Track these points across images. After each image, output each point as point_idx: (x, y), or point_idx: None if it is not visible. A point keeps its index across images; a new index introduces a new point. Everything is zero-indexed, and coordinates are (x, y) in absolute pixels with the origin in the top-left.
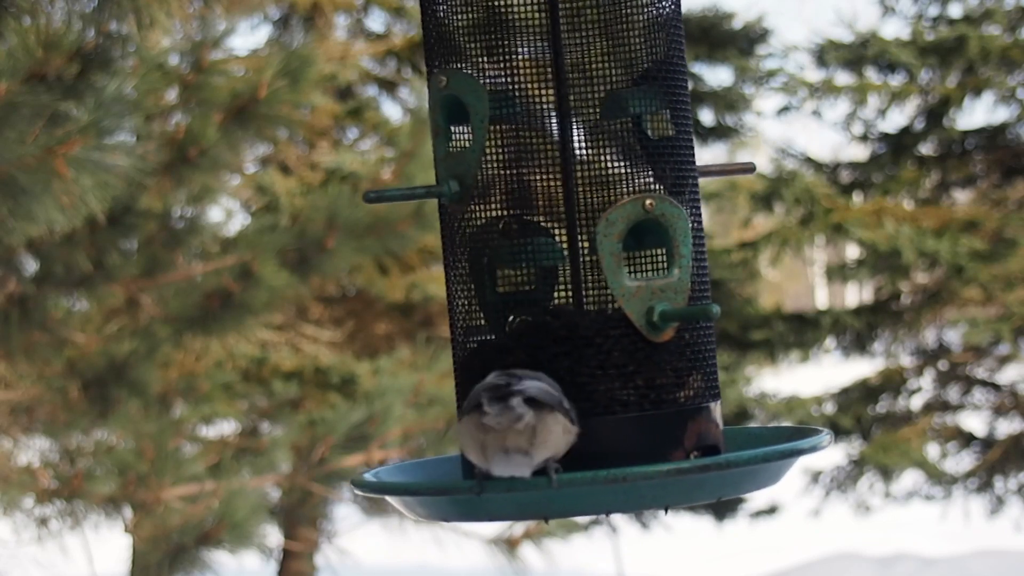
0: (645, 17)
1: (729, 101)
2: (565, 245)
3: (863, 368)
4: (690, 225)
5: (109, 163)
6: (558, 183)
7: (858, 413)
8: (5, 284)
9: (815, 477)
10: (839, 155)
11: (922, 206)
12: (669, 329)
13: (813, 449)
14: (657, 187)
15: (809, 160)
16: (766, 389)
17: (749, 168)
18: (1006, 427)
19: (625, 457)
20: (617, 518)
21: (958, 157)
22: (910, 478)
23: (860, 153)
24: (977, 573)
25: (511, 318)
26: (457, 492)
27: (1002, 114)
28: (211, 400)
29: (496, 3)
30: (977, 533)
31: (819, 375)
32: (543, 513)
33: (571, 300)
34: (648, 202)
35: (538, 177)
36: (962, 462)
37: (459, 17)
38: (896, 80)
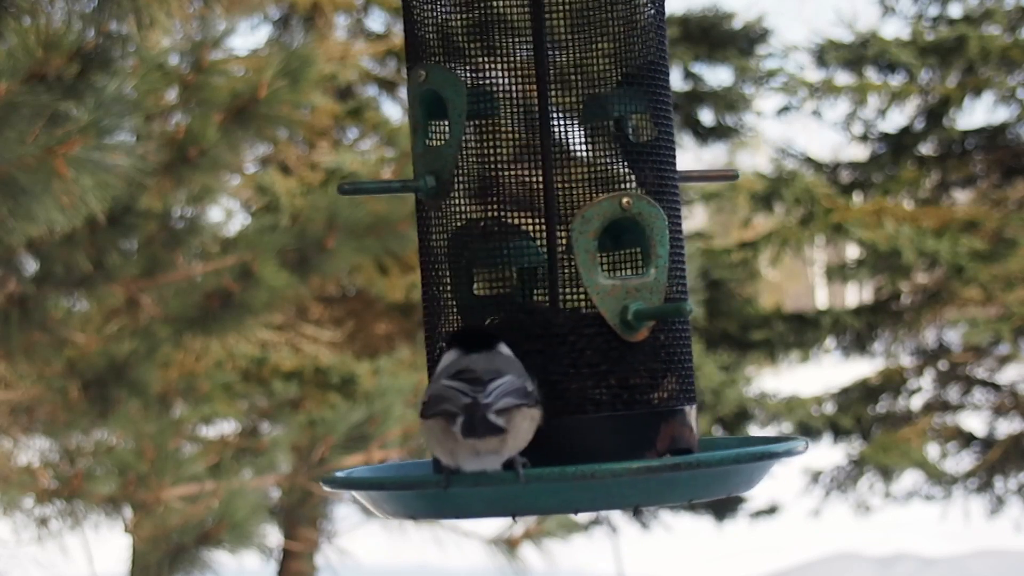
0: (628, 19)
1: (729, 101)
2: (542, 244)
3: (863, 368)
4: (668, 225)
5: (109, 163)
6: (537, 181)
7: (858, 413)
8: (5, 284)
9: (815, 477)
10: (839, 155)
11: (922, 206)
12: (644, 329)
13: (787, 453)
14: (637, 188)
15: (809, 160)
16: (766, 389)
17: (732, 175)
18: (1006, 427)
19: (596, 457)
20: (617, 518)
21: (958, 157)
22: (910, 478)
23: (860, 153)
24: (977, 573)
25: (488, 319)
26: (423, 487)
27: (1002, 114)
28: (211, 400)
29: (480, 1)
30: (977, 533)
31: (819, 375)
32: (511, 509)
33: (547, 299)
34: (625, 200)
35: (516, 175)
36: (962, 462)
37: (441, 14)
38: (896, 80)
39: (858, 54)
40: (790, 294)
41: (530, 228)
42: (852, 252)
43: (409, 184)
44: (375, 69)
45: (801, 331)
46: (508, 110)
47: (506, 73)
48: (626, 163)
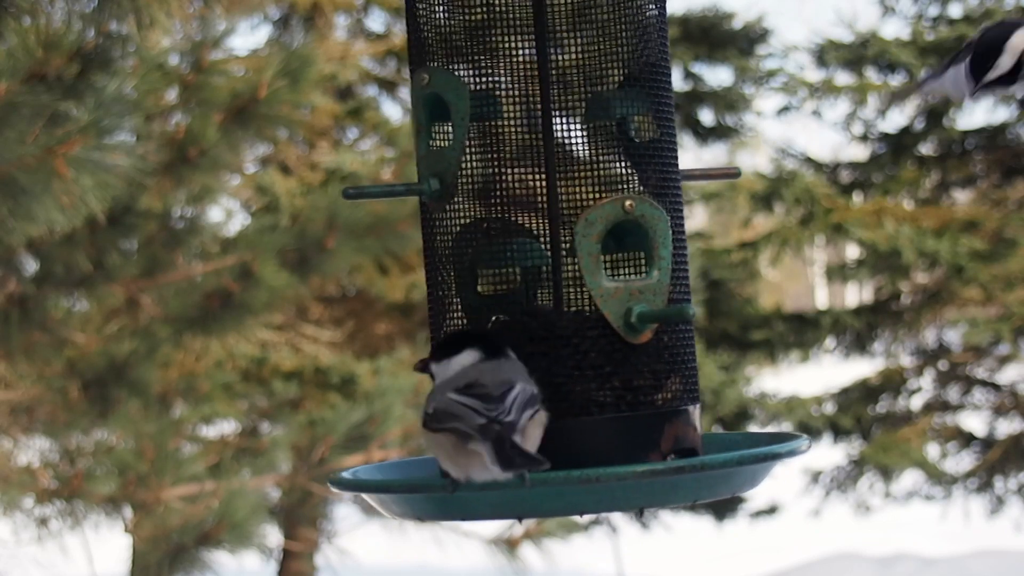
0: (630, 20)
1: (729, 101)
2: (546, 246)
3: (863, 368)
4: (671, 227)
5: (109, 163)
6: (540, 183)
7: (858, 413)
8: (5, 284)
9: (815, 477)
10: (839, 155)
11: (922, 206)
12: (647, 331)
13: (790, 454)
14: (639, 188)
15: (809, 160)
16: (766, 389)
17: (733, 173)
18: (1006, 427)
19: (601, 458)
20: (617, 518)
21: (958, 157)
22: (910, 478)
23: (860, 153)
24: (977, 573)
25: (492, 319)
26: (430, 490)
27: (1002, 114)
28: (211, 400)
29: (482, 3)
30: (977, 533)
31: (819, 375)
32: (517, 512)
33: (551, 301)
34: (628, 203)
35: (519, 177)
36: (962, 462)
37: (442, 16)
38: (896, 80)
39: (858, 54)
40: (790, 294)
41: (533, 230)
42: (852, 252)
43: (413, 187)
44: (375, 69)
45: (801, 331)
46: (511, 111)
47: (508, 74)
48: (628, 164)
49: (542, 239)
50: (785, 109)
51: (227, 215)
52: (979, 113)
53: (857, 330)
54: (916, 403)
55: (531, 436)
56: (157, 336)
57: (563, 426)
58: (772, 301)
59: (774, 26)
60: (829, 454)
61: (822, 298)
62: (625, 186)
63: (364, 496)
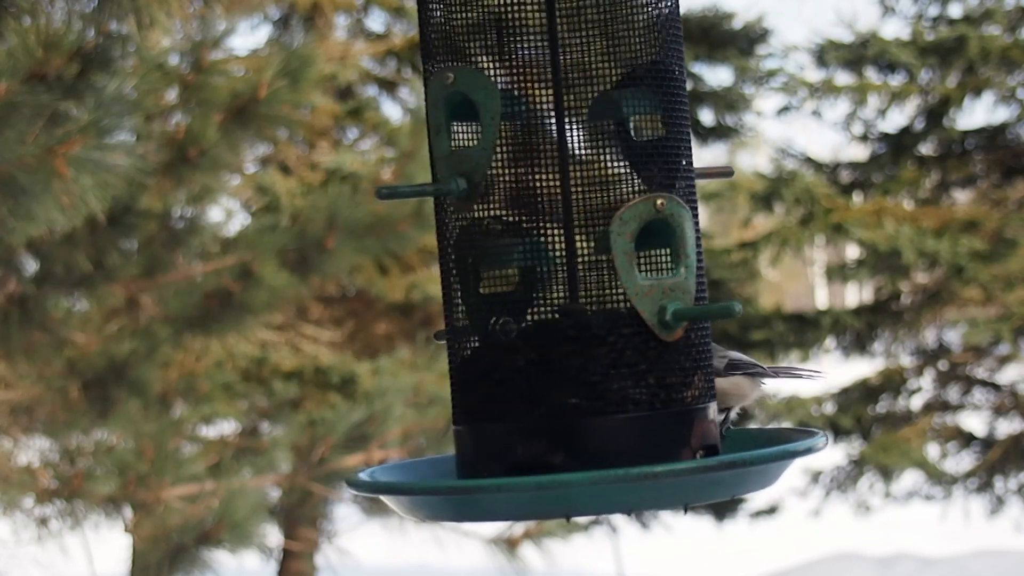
0: (644, 17)
1: (729, 101)
2: (560, 246)
3: (863, 368)
4: (694, 225)
5: (109, 163)
6: (556, 183)
7: (858, 413)
8: (5, 284)
9: (815, 477)
10: (839, 155)
11: (922, 206)
12: (679, 328)
13: (808, 451)
14: (662, 188)
15: (809, 160)
16: (766, 389)
17: (727, 172)
18: (1006, 427)
19: (637, 456)
20: (617, 518)
21: (958, 157)
22: (910, 478)
23: (860, 153)
24: (977, 573)
25: (493, 319)
26: (480, 491)
27: (1002, 114)
28: (211, 400)
29: (494, 2)
30: (977, 533)
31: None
32: (565, 510)
33: (584, 300)
34: (659, 202)
35: (537, 177)
36: (962, 462)
37: (458, 16)
38: (896, 80)
39: (858, 54)
40: (790, 294)
41: (550, 229)
42: (852, 252)
43: (441, 188)
44: (375, 69)
45: (801, 331)
46: (529, 113)
47: (523, 76)
48: (644, 162)
49: (558, 240)
50: (785, 109)
51: (227, 215)
52: (979, 113)
53: (857, 330)
54: (916, 403)
55: None
56: (157, 336)
57: (600, 424)
58: (772, 301)
59: (774, 26)
60: (829, 454)
61: (822, 298)
62: (639, 185)
63: (383, 499)
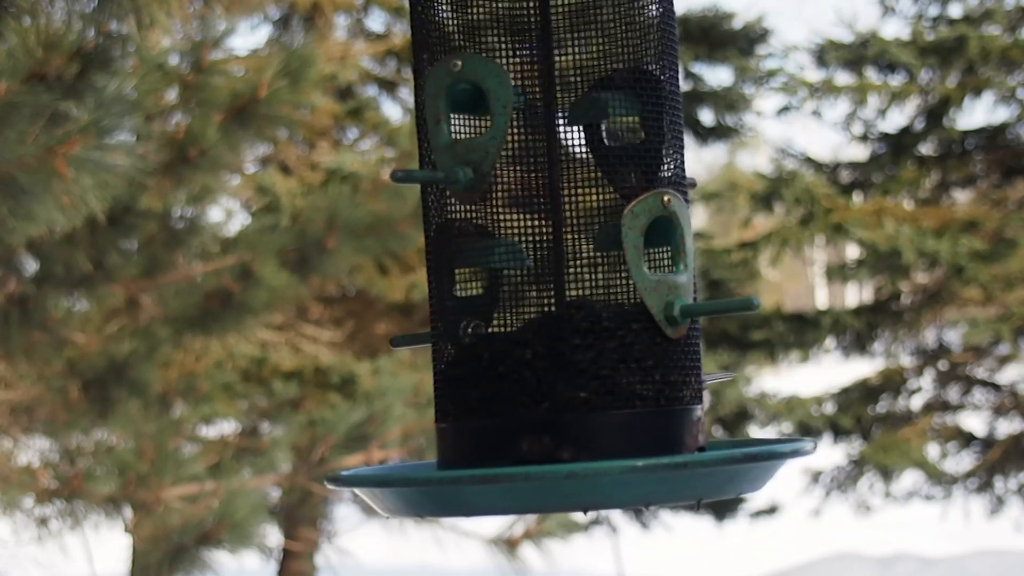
0: (638, 17)
1: (729, 101)
2: (564, 240)
3: (863, 368)
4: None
5: (109, 163)
6: (544, 180)
7: (858, 413)
8: (5, 284)
9: (815, 477)
10: (839, 155)
11: (922, 206)
12: (683, 325)
13: (803, 453)
14: (661, 184)
15: (809, 160)
16: (766, 389)
17: (689, 184)
18: (1006, 427)
19: (645, 452)
20: (617, 518)
21: (958, 157)
22: (910, 478)
23: (860, 153)
24: (977, 573)
25: (464, 323)
26: (505, 479)
27: (1002, 114)
28: (211, 400)
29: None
30: (977, 533)
31: (819, 375)
32: (583, 504)
33: (593, 294)
34: (666, 198)
35: (531, 174)
36: (962, 462)
37: (449, 13)
38: (896, 80)
39: (858, 54)
40: (790, 294)
41: (542, 227)
42: (852, 252)
43: (450, 176)
44: (375, 69)
45: (801, 331)
46: (527, 108)
47: (519, 73)
48: (638, 163)
49: (547, 234)
50: (785, 109)
51: (227, 215)
52: (979, 113)
53: (857, 330)
54: (916, 403)
55: None
56: (157, 336)
57: (609, 418)
58: (772, 301)
59: (774, 26)
60: (829, 454)
61: (822, 298)
62: (632, 184)
63: (358, 493)
